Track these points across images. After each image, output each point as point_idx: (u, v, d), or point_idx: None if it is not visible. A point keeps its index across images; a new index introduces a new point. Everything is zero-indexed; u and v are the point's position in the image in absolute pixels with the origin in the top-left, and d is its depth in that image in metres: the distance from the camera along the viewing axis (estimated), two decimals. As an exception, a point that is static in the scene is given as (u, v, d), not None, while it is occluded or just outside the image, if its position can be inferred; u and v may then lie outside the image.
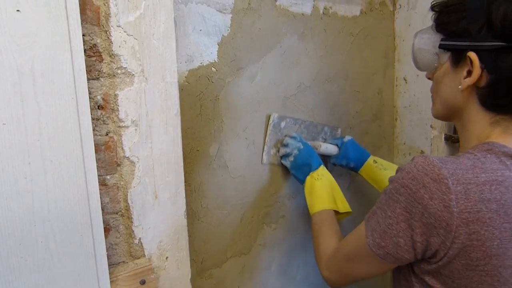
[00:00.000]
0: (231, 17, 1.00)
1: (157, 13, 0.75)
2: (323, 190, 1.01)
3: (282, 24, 1.09)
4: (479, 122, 0.68)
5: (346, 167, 1.19)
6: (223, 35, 0.99)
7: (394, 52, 1.38)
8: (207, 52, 0.97)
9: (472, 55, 0.64)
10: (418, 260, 0.67)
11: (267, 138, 1.10)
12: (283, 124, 1.12)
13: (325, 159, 1.19)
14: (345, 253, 0.77)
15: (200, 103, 0.98)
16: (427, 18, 1.27)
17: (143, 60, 0.74)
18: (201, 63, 0.97)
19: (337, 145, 1.16)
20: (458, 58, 0.67)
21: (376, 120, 1.37)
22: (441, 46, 0.69)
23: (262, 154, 1.10)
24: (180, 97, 0.92)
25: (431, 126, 1.28)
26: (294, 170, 1.08)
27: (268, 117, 1.10)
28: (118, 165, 0.75)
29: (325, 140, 1.23)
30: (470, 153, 0.63)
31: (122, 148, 0.75)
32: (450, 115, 0.74)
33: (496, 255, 0.60)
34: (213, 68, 0.99)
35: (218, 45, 0.99)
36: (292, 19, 1.11)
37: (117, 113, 0.74)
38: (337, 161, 1.17)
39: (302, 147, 1.08)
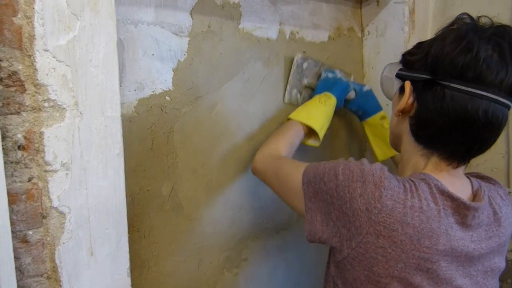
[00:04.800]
0: (188, 40, 0.89)
1: (96, 35, 0.63)
2: (319, 112, 1.00)
3: (246, 49, 1.00)
4: (412, 153, 0.72)
5: (353, 112, 1.18)
6: (179, 60, 0.89)
7: (363, 80, 1.33)
8: (160, 79, 0.86)
9: (407, 83, 0.69)
10: (331, 250, 0.70)
11: (290, 78, 1.10)
12: (305, 65, 1.12)
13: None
14: (279, 167, 0.81)
15: (152, 137, 0.86)
16: (396, 46, 1.24)
17: (77, 91, 0.62)
18: (153, 91, 0.85)
19: (354, 90, 1.13)
20: (402, 86, 0.72)
21: (345, 150, 1.30)
22: (397, 75, 0.73)
23: (285, 93, 1.10)
24: (128, 130, 0.80)
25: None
26: (320, 84, 1.10)
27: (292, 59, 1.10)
28: (44, 217, 0.62)
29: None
30: (409, 179, 0.66)
31: (49, 197, 0.61)
32: (395, 144, 0.79)
33: (399, 277, 0.61)
34: (167, 97, 0.88)
35: (173, 71, 0.88)
36: (256, 44, 1.02)
37: (42, 155, 0.60)
38: (349, 105, 1.15)
39: (343, 79, 1.11)
